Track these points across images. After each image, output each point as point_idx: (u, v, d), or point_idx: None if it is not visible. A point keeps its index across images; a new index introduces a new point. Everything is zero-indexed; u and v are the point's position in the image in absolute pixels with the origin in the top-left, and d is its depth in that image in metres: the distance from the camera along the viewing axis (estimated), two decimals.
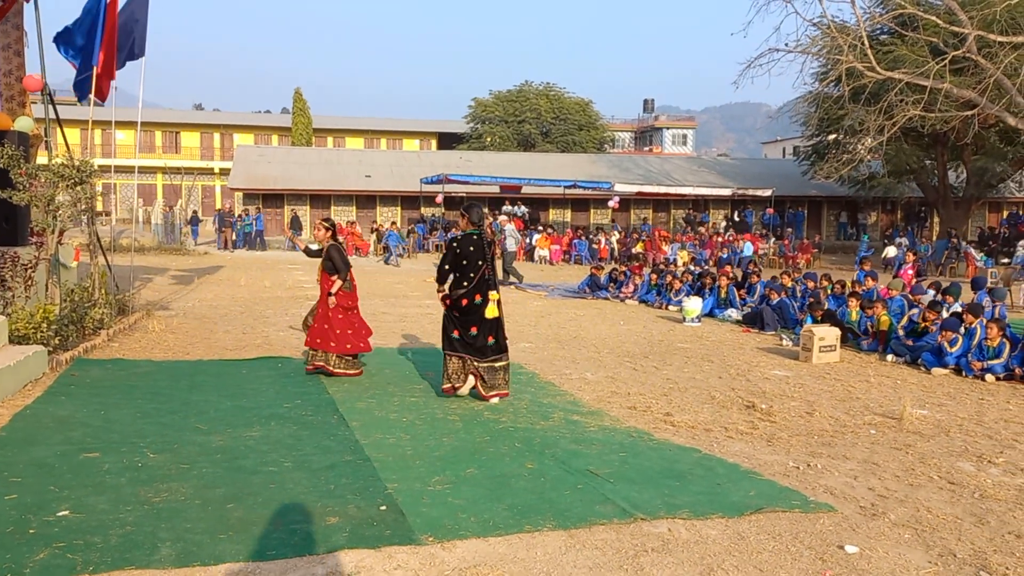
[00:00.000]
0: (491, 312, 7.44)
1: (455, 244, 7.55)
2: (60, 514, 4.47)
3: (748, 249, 26.85)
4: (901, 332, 10.96)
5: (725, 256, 23.30)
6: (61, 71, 13.26)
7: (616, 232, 32.41)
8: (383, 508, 4.75)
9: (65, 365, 8.56)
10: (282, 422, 6.68)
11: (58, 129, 12.90)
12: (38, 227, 10.01)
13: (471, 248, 7.48)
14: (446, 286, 7.60)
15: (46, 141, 12.25)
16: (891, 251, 26.49)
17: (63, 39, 12.20)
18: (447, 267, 7.54)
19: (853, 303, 12.08)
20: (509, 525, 4.55)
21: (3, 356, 7.48)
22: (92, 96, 12.75)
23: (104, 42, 11.95)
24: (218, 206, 42.59)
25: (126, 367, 8.72)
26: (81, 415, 6.65)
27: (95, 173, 10.49)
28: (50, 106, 12.40)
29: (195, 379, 8.27)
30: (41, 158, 11.65)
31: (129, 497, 4.77)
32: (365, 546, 4.20)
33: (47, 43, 12.19)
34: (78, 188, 9.94)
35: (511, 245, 20.10)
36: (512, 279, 19.82)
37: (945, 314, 11.06)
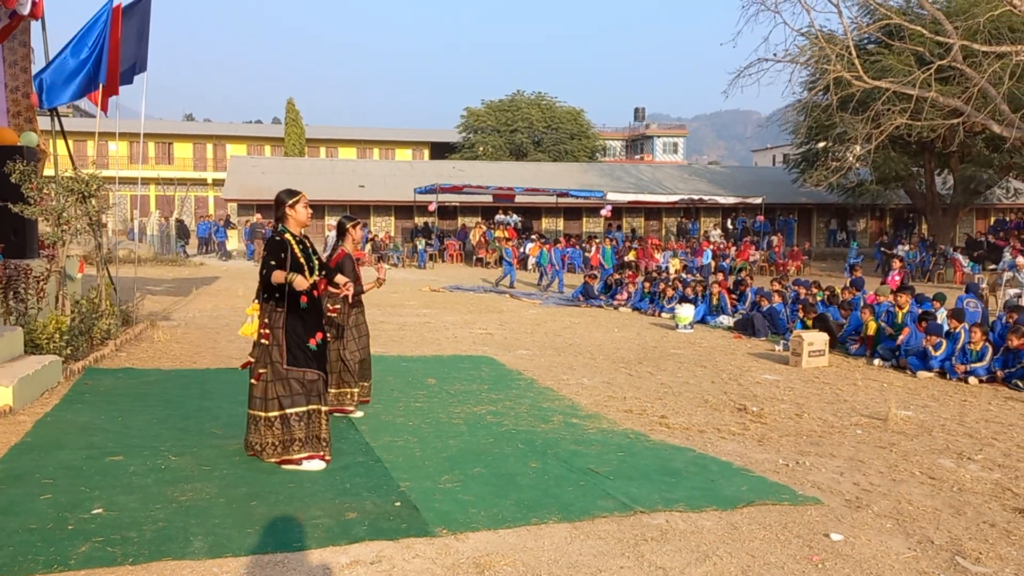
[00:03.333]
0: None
1: None
2: (94, 512, 4.75)
3: (707, 256, 27.21)
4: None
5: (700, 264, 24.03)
6: None
7: (597, 241, 32.52)
8: (398, 504, 5.04)
9: (78, 374, 8.80)
10: None
11: (62, 143, 13.17)
12: (48, 240, 10.25)
13: None
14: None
15: (51, 155, 12.51)
16: (902, 250, 27.25)
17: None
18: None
19: (867, 315, 12.00)
20: (517, 518, 4.85)
21: (22, 366, 7.74)
22: (99, 108, 13.02)
23: (109, 59, 12.24)
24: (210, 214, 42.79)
25: (136, 376, 8.97)
26: (100, 421, 6.91)
27: (103, 187, 10.73)
28: (55, 120, 12.70)
29: (205, 387, 8.53)
30: (47, 171, 11.88)
31: (157, 496, 5.05)
32: (384, 538, 4.49)
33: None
34: (88, 202, 10.19)
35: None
36: None
37: (942, 319, 11.36)
